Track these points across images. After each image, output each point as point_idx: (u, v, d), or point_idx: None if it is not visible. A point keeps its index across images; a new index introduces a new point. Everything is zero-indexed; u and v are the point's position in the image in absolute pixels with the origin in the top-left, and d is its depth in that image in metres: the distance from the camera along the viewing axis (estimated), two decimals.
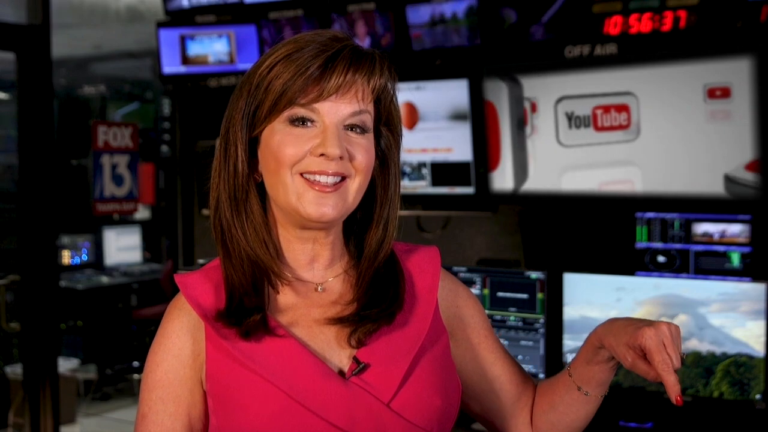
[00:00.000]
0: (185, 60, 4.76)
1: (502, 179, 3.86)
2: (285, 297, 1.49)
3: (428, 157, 4.07)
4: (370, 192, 1.51)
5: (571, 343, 3.54)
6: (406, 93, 4.05)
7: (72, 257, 9.02)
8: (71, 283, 8.25)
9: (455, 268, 3.73)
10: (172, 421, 1.44)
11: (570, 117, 3.65)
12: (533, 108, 3.72)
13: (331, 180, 1.40)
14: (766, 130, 3.17)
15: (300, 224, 1.46)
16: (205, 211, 5.17)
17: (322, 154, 1.39)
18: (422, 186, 4.11)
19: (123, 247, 9.15)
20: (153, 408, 1.45)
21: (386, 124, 1.51)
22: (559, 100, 3.67)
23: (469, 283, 3.71)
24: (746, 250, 3.38)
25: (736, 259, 3.39)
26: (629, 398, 3.32)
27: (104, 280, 8.54)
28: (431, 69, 4.07)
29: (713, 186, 3.35)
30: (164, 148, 10.40)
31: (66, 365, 6.86)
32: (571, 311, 3.53)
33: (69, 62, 9.95)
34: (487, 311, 3.66)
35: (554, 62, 3.65)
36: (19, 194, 5.46)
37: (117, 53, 9.82)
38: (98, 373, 8.07)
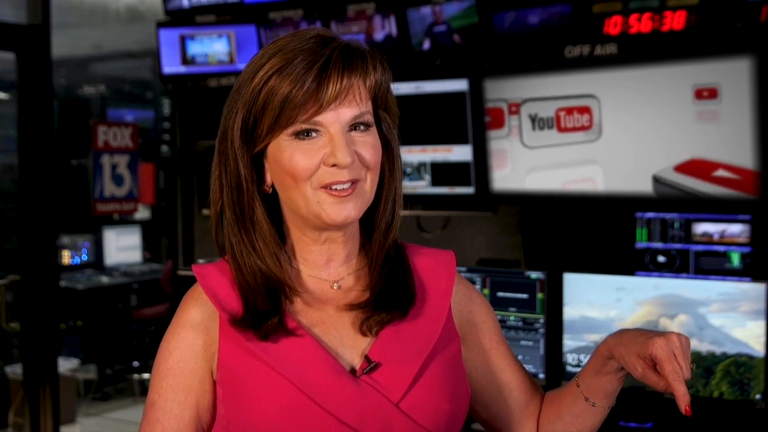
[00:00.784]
0: (185, 60, 4.76)
1: (503, 179, 3.86)
2: (302, 295, 1.51)
3: (428, 157, 4.07)
4: None
5: (571, 343, 3.54)
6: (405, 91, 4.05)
7: (72, 257, 9.02)
8: (71, 283, 8.25)
9: None
10: (180, 409, 1.46)
11: (534, 119, 3.70)
12: (510, 109, 3.75)
13: (347, 185, 1.42)
14: (765, 131, 3.17)
15: (319, 227, 1.48)
16: (206, 211, 5.17)
17: (334, 164, 1.40)
18: (422, 186, 4.11)
19: (123, 247, 9.15)
20: (163, 396, 1.46)
21: (384, 109, 1.52)
22: (523, 102, 3.71)
23: None
24: (746, 250, 3.38)
25: (736, 259, 3.39)
26: (629, 398, 3.32)
27: (104, 280, 8.54)
28: (431, 69, 4.07)
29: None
30: (164, 148, 10.40)
31: (66, 365, 6.86)
32: (571, 311, 3.53)
33: (69, 62, 9.95)
34: None
35: (553, 62, 3.66)
36: (19, 194, 5.46)
37: (117, 53, 9.82)
38: (98, 373, 8.07)
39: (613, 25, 3.55)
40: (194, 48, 4.73)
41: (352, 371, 1.45)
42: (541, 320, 3.60)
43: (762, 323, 3.19)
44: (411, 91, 4.06)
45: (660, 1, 3.45)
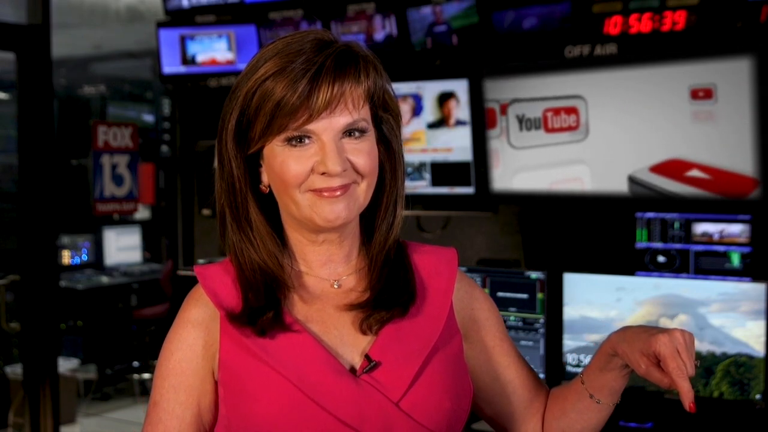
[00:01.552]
0: (185, 60, 4.77)
1: (502, 179, 3.86)
2: (302, 293, 1.51)
3: (428, 157, 4.08)
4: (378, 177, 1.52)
5: (571, 343, 3.54)
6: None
7: (72, 257, 9.02)
8: (71, 283, 8.25)
9: None
10: (182, 409, 1.47)
11: (521, 120, 3.71)
12: (502, 110, 3.76)
13: (339, 190, 1.43)
14: (765, 131, 3.17)
15: (313, 229, 1.48)
16: (205, 211, 5.17)
17: (324, 172, 1.41)
18: (422, 186, 4.11)
19: (123, 247, 9.15)
20: (165, 396, 1.48)
21: (384, 110, 1.51)
22: (511, 102, 3.72)
23: None
24: (746, 250, 3.38)
25: (736, 259, 3.39)
26: (629, 398, 3.32)
27: (104, 280, 8.54)
28: (431, 69, 4.08)
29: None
30: (164, 148, 10.40)
31: (66, 365, 6.87)
32: (571, 311, 3.53)
33: (69, 62, 9.95)
34: None
35: (553, 63, 3.66)
36: (19, 194, 5.46)
37: (117, 53, 9.82)
38: (98, 373, 8.07)
39: (613, 25, 3.55)
40: (194, 48, 4.73)
41: (353, 370, 1.45)
42: (541, 320, 3.60)
43: (762, 323, 3.19)
44: (411, 91, 4.06)
45: (660, 1, 3.45)
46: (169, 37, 4.76)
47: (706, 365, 3.26)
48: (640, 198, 3.50)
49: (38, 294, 5.48)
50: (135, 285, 8.84)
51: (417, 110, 4.07)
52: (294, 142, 1.42)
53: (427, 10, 4.02)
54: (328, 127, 1.41)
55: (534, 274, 3.61)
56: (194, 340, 1.48)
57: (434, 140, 4.05)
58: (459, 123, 3.97)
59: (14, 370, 6.37)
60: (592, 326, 3.49)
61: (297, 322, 1.47)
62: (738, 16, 3.28)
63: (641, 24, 3.50)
